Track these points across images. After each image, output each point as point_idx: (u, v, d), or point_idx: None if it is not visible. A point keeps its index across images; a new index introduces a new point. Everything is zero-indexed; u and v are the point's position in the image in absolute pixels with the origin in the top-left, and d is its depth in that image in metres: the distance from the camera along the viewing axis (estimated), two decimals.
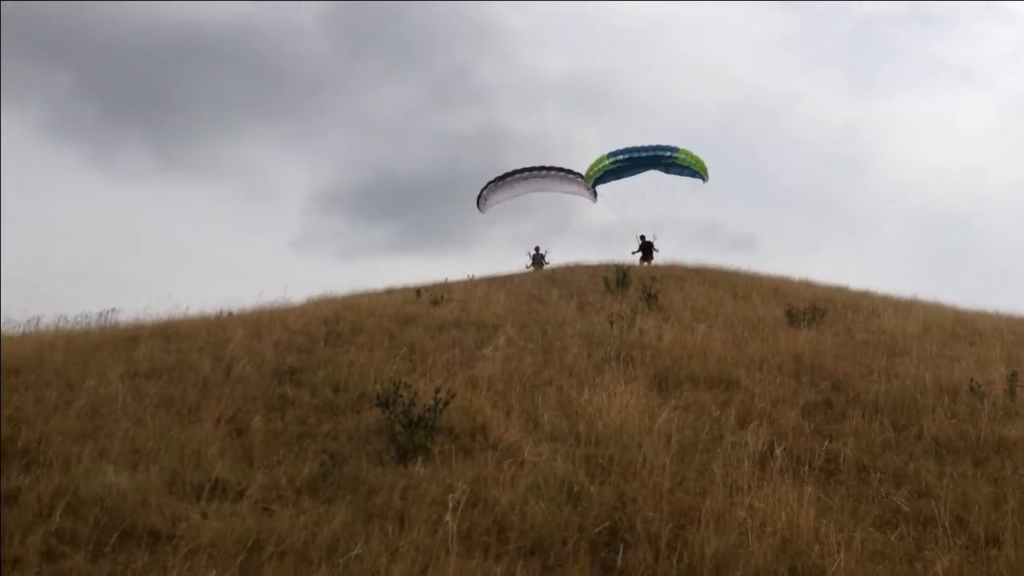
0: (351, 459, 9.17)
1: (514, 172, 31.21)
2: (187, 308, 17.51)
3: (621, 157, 28.98)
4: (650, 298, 19.73)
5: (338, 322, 16.12)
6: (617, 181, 29.90)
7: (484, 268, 29.37)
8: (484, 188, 31.70)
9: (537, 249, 32.50)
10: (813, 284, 24.41)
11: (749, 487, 8.48)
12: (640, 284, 21.26)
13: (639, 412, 10.72)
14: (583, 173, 30.25)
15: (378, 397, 10.02)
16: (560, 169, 31.24)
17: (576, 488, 8.44)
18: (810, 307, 17.93)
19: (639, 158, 28.92)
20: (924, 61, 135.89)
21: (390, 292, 23.15)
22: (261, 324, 15.59)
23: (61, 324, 17.87)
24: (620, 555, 7.27)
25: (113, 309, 17.96)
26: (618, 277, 22.01)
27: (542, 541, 7.46)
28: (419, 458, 9.24)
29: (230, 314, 17.28)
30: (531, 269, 30.66)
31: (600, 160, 29.49)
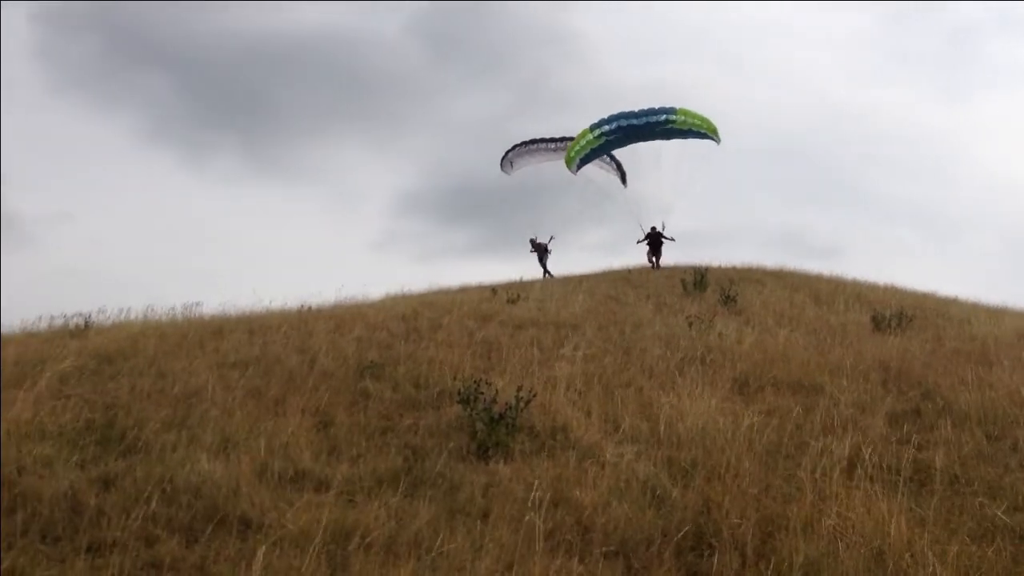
0: (432, 454, 9.24)
1: (541, 140, 29.15)
2: (270, 302, 17.95)
3: (607, 128, 24.63)
4: (728, 300, 19.47)
5: (416, 318, 16.29)
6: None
7: (559, 270, 29.07)
8: (510, 151, 29.73)
9: (533, 240, 30.20)
10: (899, 289, 23.75)
11: (837, 495, 8.28)
12: (718, 286, 20.98)
13: (721, 415, 10.58)
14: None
15: (459, 394, 10.08)
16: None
17: (659, 491, 8.37)
18: (897, 313, 17.43)
19: (630, 127, 24.47)
20: (1018, 65, 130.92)
21: (465, 290, 23.34)
22: (342, 319, 15.85)
23: (149, 315, 18.47)
24: (705, 560, 7.17)
25: (197, 302, 18.52)
26: (696, 279, 21.77)
27: (626, 543, 7.40)
28: (500, 455, 9.27)
29: (310, 309, 17.63)
30: (535, 256, 29.74)
31: (583, 135, 25.18)
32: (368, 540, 7.08)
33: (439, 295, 20.61)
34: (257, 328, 15.06)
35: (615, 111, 24.81)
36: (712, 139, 24.59)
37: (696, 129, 24.18)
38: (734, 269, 26.25)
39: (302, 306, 18.36)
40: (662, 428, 10.11)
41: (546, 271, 29.89)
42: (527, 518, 7.58)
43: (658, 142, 24.98)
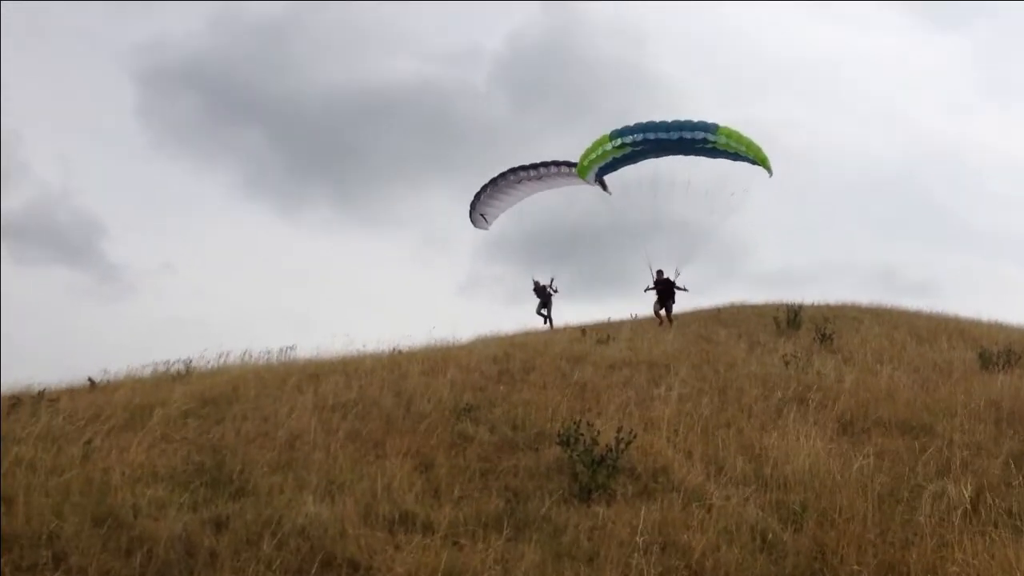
0: (534, 497, 9.17)
1: (507, 173, 24.74)
2: (363, 345, 18.25)
3: (632, 138, 20.37)
4: (825, 338, 18.99)
5: (508, 360, 16.30)
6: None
7: (644, 310, 28.57)
8: (475, 199, 25.55)
9: (536, 283, 26.95)
10: (1005, 326, 22.85)
11: (959, 540, 7.91)
12: (812, 324, 20.50)
13: (828, 457, 10.26)
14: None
15: (559, 435, 10.02)
16: (563, 163, 24.15)
17: (769, 535, 8.13)
18: (1005, 350, 16.72)
19: (660, 141, 20.22)
20: None
21: (553, 331, 23.31)
22: (434, 362, 15.96)
23: (246, 359, 19.01)
24: None
25: (292, 347, 19.00)
26: (789, 316, 21.33)
27: None
28: (602, 498, 9.15)
29: (402, 352, 17.84)
30: (541, 308, 26.44)
31: (601, 142, 21.02)
32: None
33: (529, 337, 20.63)
34: (352, 371, 15.27)
35: (639, 120, 20.82)
36: (761, 168, 20.56)
37: (741, 154, 20.34)
38: (828, 307, 25.59)
39: (394, 349, 18.62)
40: (768, 470, 9.85)
41: (547, 319, 26.49)
42: (635, 562, 7.45)
43: (685, 166, 20.65)
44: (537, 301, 26.93)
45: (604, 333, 19.99)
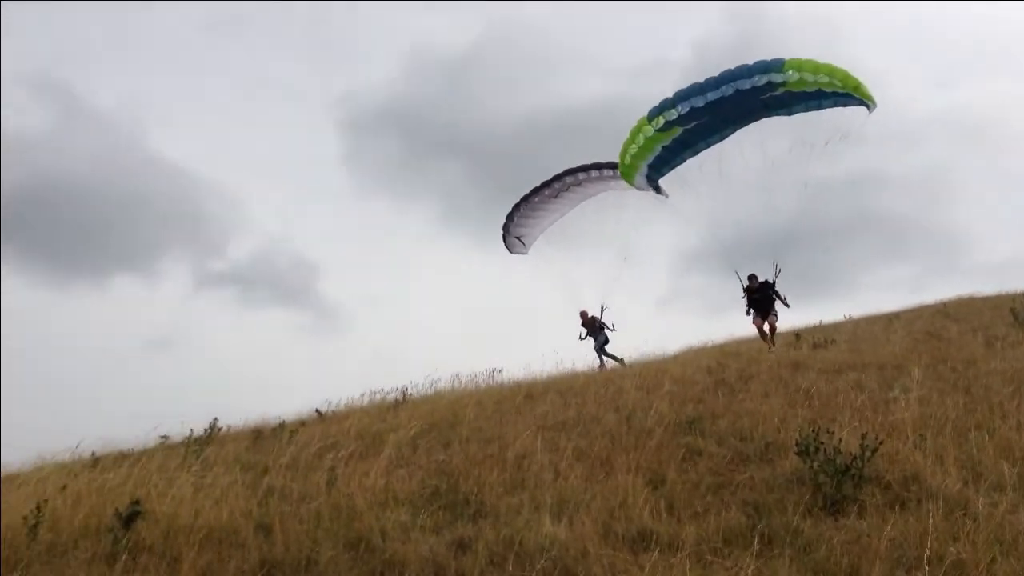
0: (775, 510, 8.72)
1: (540, 188, 21.50)
2: (572, 364, 18.35)
3: (677, 112, 15.34)
4: None
5: (723, 370, 15.83)
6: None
7: (856, 312, 27.10)
8: (507, 220, 22.53)
9: (584, 314, 23.41)
10: None
11: None
12: None
13: None
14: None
15: (797, 445, 9.51)
16: (607, 165, 20.52)
17: None
18: None
19: (713, 105, 15.04)
20: None
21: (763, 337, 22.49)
22: (647, 376, 15.73)
23: (456, 384, 19.64)
24: None
25: (499, 369, 19.47)
26: None
27: None
28: (851, 509, 8.58)
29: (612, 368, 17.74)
30: (585, 339, 23.13)
31: (639, 128, 16.09)
32: None
33: (739, 345, 19.99)
34: (565, 390, 15.31)
35: (690, 83, 15.42)
36: (863, 104, 15.12)
37: (828, 89, 14.88)
38: None
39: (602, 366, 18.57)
40: None
41: (602, 357, 22.79)
42: None
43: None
44: (594, 337, 23.31)
45: (820, 336, 19.03)
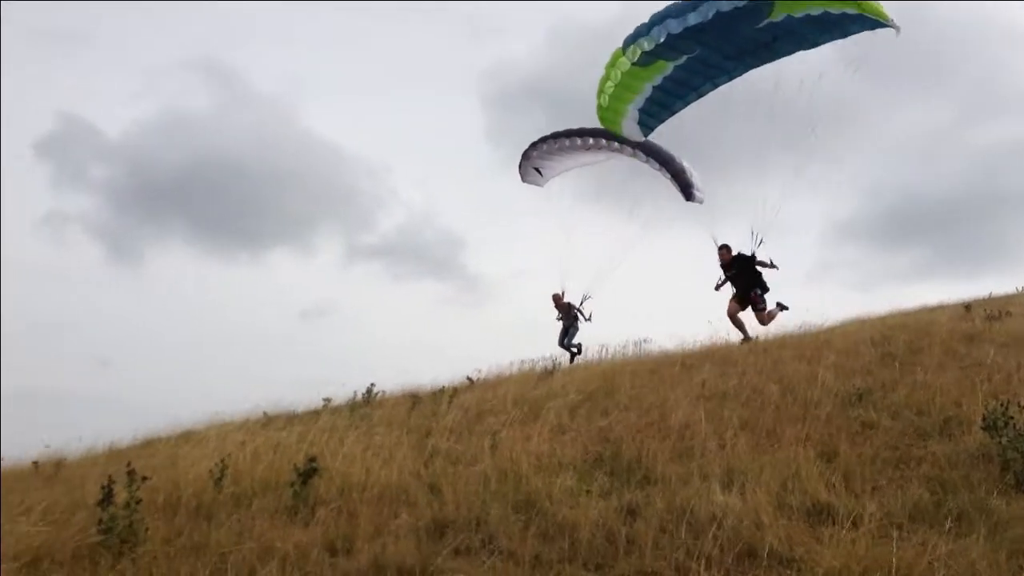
0: (961, 487, 8.25)
1: (577, 135, 19.31)
2: (727, 334, 17.99)
3: (654, 43, 12.33)
4: None
5: (888, 343, 15.09)
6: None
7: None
8: (530, 148, 20.29)
9: (557, 297, 21.90)
10: None
11: None
12: None
13: None
14: None
15: (983, 420, 8.97)
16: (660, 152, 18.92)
17: None
18: None
19: (688, 30, 11.91)
20: None
21: (927, 310, 21.38)
22: (806, 347, 15.20)
23: (603, 354, 19.74)
24: None
25: (646, 339, 19.36)
26: None
27: None
28: None
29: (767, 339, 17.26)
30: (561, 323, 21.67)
31: (615, 60, 13.21)
32: None
33: (904, 317, 19.05)
34: (720, 360, 14.99)
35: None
36: (879, 22, 11.61)
37: (838, 11, 11.53)
38: None
39: (756, 337, 18.08)
40: None
41: (569, 348, 21.67)
42: None
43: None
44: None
45: (993, 308, 17.89)
